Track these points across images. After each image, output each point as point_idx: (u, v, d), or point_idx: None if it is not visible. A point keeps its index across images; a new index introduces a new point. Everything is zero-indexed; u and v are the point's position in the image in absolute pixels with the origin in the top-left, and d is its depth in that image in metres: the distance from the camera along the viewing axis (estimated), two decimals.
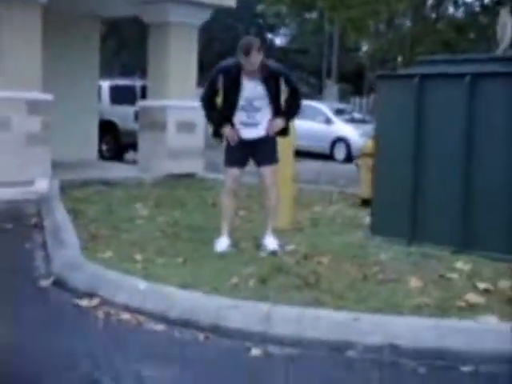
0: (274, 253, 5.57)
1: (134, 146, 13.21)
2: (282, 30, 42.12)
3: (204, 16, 11.84)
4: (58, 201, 7.95)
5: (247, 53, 5.52)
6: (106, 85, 16.17)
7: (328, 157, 18.58)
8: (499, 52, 7.45)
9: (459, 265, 5.32)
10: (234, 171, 5.81)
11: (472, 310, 4.19)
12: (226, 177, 5.95)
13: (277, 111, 5.77)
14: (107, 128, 15.09)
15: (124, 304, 4.22)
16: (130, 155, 15.20)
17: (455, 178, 5.88)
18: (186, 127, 11.57)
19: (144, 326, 4.00)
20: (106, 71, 24.07)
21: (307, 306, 4.00)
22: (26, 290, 4.78)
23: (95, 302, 4.36)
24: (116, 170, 11.81)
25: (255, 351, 3.62)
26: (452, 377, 3.44)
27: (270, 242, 5.74)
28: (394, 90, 6.37)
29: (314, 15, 28.68)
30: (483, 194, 5.78)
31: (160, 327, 3.97)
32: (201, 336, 3.82)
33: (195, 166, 11.64)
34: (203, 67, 26.43)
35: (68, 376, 3.29)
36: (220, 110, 5.83)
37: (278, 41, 42.78)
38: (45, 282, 4.89)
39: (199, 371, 3.42)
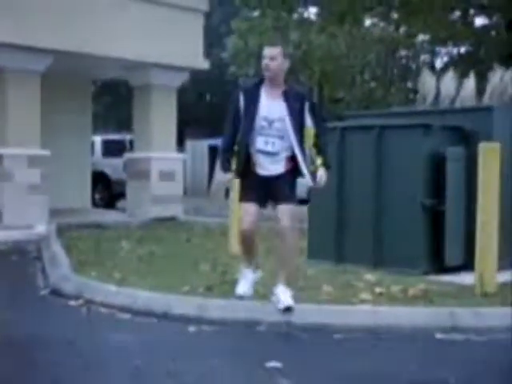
0: (288, 309, 5.17)
1: (124, 195, 14.64)
2: None
3: (182, 78, 13.52)
4: (55, 239, 9.44)
5: (272, 57, 5.08)
6: (98, 139, 17.83)
7: None
8: (425, 106, 9.07)
9: (368, 277, 6.75)
10: (251, 207, 5.24)
11: (360, 303, 5.68)
12: (242, 214, 5.36)
13: (301, 144, 5.21)
14: (100, 178, 16.66)
15: (101, 302, 5.80)
16: (121, 203, 16.71)
17: (368, 210, 7.41)
18: (167, 176, 13.15)
19: (115, 316, 5.57)
20: (101, 125, 25.79)
21: (231, 298, 5.53)
22: (30, 297, 6.40)
23: (80, 301, 5.95)
24: (107, 216, 13.33)
25: (192, 329, 5.15)
26: (326, 341, 4.93)
27: (284, 296, 5.23)
28: None
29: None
30: (390, 223, 7.29)
31: (126, 316, 5.54)
32: (155, 320, 5.39)
33: (176, 210, 13.17)
34: (197, 120, 28.08)
35: (62, 345, 4.80)
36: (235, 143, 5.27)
37: None
38: (44, 292, 6.53)
39: (152, 340, 4.94)
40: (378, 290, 6.15)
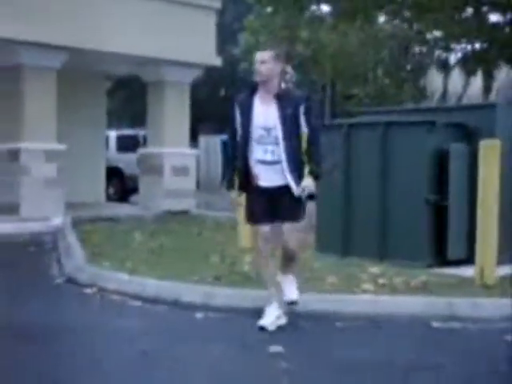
0: (294, 303, 5.16)
1: (137, 190, 14.91)
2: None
3: (194, 74, 13.76)
4: (70, 232, 9.72)
5: (263, 61, 4.88)
6: (113, 134, 18.10)
7: None
8: (433, 103, 9.25)
9: (372, 269, 6.95)
10: (262, 229, 4.97)
11: (362, 293, 5.89)
12: (253, 237, 5.19)
13: (295, 152, 4.92)
14: (114, 173, 16.93)
15: (114, 290, 6.07)
16: (134, 198, 16.98)
17: (374, 205, 7.61)
18: (180, 171, 13.40)
19: (127, 303, 5.85)
20: (115, 121, 26.08)
21: (238, 288, 5.76)
22: (46, 285, 6.70)
23: (94, 289, 6.24)
24: (120, 209, 13.60)
25: (199, 316, 5.40)
26: (328, 329, 5.16)
27: (289, 288, 5.17)
28: (329, 136, 8.14)
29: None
30: (395, 218, 7.48)
31: (137, 303, 5.82)
32: (165, 307, 5.65)
33: (188, 204, 13.42)
34: (210, 116, 28.27)
35: (75, 330, 5.07)
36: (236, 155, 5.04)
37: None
38: (59, 280, 6.83)
39: (161, 326, 5.19)
40: (380, 281, 6.36)
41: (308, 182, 4.85)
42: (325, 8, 18.02)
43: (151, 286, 6.00)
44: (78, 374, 4.10)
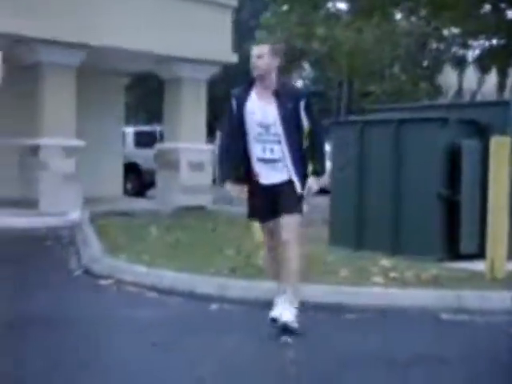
0: (285, 325, 4.71)
1: (154, 185, 15.14)
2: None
3: (211, 71, 13.90)
4: (88, 225, 9.89)
5: (260, 55, 4.74)
6: (130, 130, 18.31)
7: None
8: (447, 100, 9.29)
9: (383, 262, 7.05)
10: (266, 226, 4.95)
11: (373, 286, 6.00)
12: (262, 234, 5.17)
13: (298, 149, 4.81)
14: (131, 168, 17.13)
15: (130, 281, 6.24)
16: (151, 192, 17.18)
17: (386, 199, 7.72)
18: (197, 166, 13.55)
19: (143, 294, 6.01)
20: (132, 117, 26.31)
21: (253, 280, 5.89)
22: (64, 277, 6.87)
23: (111, 281, 6.41)
24: (137, 204, 13.79)
25: (213, 307, 5.55)
26: (338, 320, 5.28)
27: (284, 311, 4.76)
28: (344, 133, 8.27)
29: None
30: (408, 212, 7.58)
31: (154, 294, 5.98)
32: (180, 299, 5.81)
33: (204, 199, 13.57)
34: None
35: (95, 315, 5.28)
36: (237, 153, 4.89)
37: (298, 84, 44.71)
38: (77, 272, 7.02)
39: (175, 316, 5.34)
40: (391, 274, 6.46)
41: (312, 183, 4.82)
42: (341, 5, 18.11)
43: (168, 277, 6.16)
44: (93, 361, 4.26)
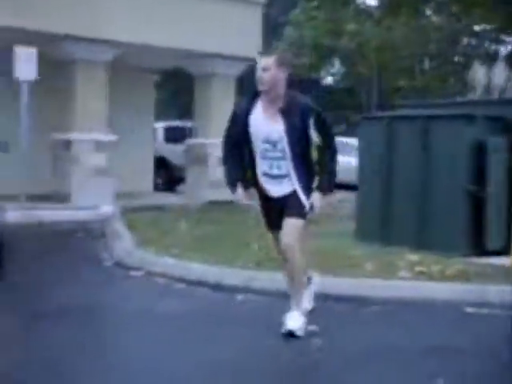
0: (291, 333, 4.61)
1: (184, 180, 15.30)
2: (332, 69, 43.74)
3: (241, 68, 14.03)
4: (119, 219, 10.08)
5: (265, 67, 4.47)
6: (161, 126, 18.48)
7: None
8: (475, 96, 9.33)
9: (410, 257, 7.11)
10: (276, 235, 4.81)
11: (399, 279, 6.08)
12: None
13: (305, 164, 4.67)
14: (161, 163, 17.30)
15: (160, 273, 6.43)
16: (181, 187, 17.33)
17: (413, 195, 7.78)
18: None
19: (171, 286, 6.21)
20: (164, 113, 26.51)
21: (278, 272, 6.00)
22: (96, 268, 7.09)
23: (141, 273, 6.61)
24: (166, 199, 13.96)
25: (239, 298, 5.70)
26: (364, 312, 5.39)
27: (292, 319, 4.66)
28: (371, 128, 8.34)
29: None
30: (435, 208, 7.64)
31: (182, 285, 6.17)
32: (207, 290, 5.97)
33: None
34: None
35: (126, 305, 5.48)
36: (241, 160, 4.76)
37: (327, 80, 44.42)
38: (108, 263, 7.24)
39: (202, 307, 5.52)
40: (417, 268, 6.53)
41: (316, 200, 4.65)
42: (371, 2, 18.14)
43: (196, 269, 6.32)
44: (121, 347, 4.50)
